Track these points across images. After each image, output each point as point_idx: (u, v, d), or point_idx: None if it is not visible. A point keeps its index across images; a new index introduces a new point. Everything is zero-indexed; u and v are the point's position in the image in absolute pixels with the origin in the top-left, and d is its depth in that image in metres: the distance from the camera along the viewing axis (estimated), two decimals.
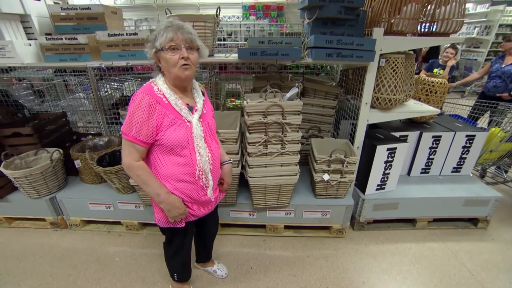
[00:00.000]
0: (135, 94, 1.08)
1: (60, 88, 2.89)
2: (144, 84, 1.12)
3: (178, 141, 1.10)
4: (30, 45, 1.76)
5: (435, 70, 3.75)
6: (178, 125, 1.10)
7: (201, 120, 1.18)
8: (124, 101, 2.73)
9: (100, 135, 2.51)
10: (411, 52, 2.02)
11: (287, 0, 6.79)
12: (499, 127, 2.42)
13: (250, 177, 1.77)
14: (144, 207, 2.02)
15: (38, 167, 1.90)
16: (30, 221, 2.21)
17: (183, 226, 1.26)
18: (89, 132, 2.92)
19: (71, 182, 2.24)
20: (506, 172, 2.81)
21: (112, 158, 2.13)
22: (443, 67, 3.71)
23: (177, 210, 1.17)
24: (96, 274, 1.80)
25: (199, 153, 1.16)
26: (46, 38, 1.63)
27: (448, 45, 3.78)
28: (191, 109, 1.16)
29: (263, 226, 2.10)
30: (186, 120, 1.12)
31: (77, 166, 2.12)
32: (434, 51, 5.71)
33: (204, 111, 1.22)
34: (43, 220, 2.16)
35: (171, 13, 1.68)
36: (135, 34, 1.66)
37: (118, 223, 2.16)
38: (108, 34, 1.64)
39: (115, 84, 3.09)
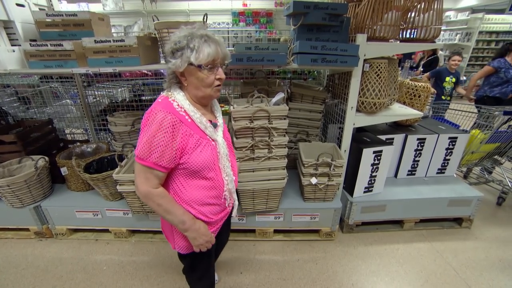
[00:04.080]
0: (151, 112, 0.92)
1: (46, 95, 2.85)
2: (159, 100, 0.96)
3: (205, 163, 0.98)
4: (14, 51, 1.74)
5: (448, 79, 3.74)
6: (204, 146, 0.98)
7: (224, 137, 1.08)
8: (112, 108, 2.71)
9: (87, 142, 2.47)
10: (394, 57, 2.09)
11: (275, 6, 6.91)
12: (480, 130, 2.51)
13: (238, 182, 1.77)
14: (133, 214, 1.99)
15: (22, 175, 1.86)
16: (12, 231, 2.15)
17: (209, 248, 1.11)
18: (76, 139, 2.88)
19: (57, 190, 2.20)
20: (490, 173, 2.91)
21: (100, 165, 2.11)
22: (454, 75, 3.74)
23: (203, 238, 1.05)
24: (83, 284, 1.75)
25: (226, 173, 1.07)
26: (30, 44, 1.61)
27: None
28: (215, 126, 1.05)
29: (253, 231, 2.10)
30: (211, 139, 1.02)
31: (63, 174, 2.08)
32: (433, 61, 5.94)
33: (223, 125, 1.12)
34: (27, 230, 2.10)
35: (158, 20, 1.69)
36: (122, 40, 1.66)
37: (106, 230, 2.12)
38: (95, 40, 1.64)
39: (104, 91, 3.06)
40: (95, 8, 6.62)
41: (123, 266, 1.89)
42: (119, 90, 3.23)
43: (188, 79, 0.97)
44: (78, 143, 2.43)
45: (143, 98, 3.05)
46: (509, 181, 2.61)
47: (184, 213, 1.00)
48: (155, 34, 1.80)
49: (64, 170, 2.06)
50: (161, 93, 1.03)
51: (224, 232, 1.42)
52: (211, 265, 1.30)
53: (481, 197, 2.15)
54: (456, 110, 2.94)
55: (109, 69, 1.70)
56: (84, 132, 3.04)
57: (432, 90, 4.12)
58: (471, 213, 2.21)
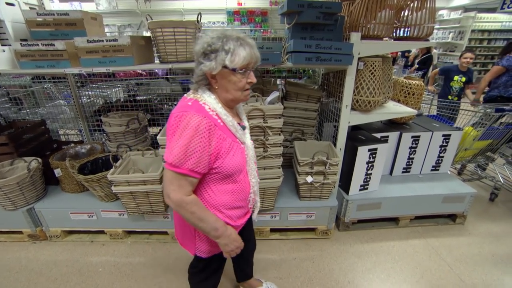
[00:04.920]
0: (183, 116, 0.87)
1: (39, 95, 2.81)
2: (188, 103, 0.92)
3: (237, 167, 0.98)
4: (4, 51, 1.71)
5: (456, 78, 3.53)
6: (235, 150, 0.97)
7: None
8: (107, 108, 2.69)
9: (82, 143, 2.45)
10: (389, 55, 2.11)
11: (270, 5, 6.91)
12: (473, 127, 2.54)
13: None
14: (128, 215, 1.98)
15: (14, 177, 1.83)
16: (5, 235, 2.12)
17: (238, 254, 1.10)
18: (70, 140, 2.85)
19: (51, 191, 2.17)
20: (484, 169, 2.95)
21: (94, 166, 2.09)
22: (465, 74, 3.51)
23: (234, 244, 1.03)
24: (78, 286, 1.74)
25: (252, 175, 1.08)
26: (21, 44, 1.59)
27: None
28: (243, 128, 1.05)
29: None
30: (240, 142, 1.02)
31: (57, 175, 2.06)
32: (427, 59, 6.00)
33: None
34: (20, 232, 2.07)
35: (151, 19, 1.68)
36: (115, 40, 1.64)
37: (102, 232, 2.10)
38: (88, 40, 1.62)
39: (98, 91, 3.03)
40: (88, 7, 6.55)
41: (119, 268, 1.88)
42: (113, 90, 3.21)
43: (219, 82, 0.94)
44: (72, 144, 2.40)
45: (138, 98, 3.03)
46: (501, 177, 2.65)
47: (217, 220, 0.98)
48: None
49: (57, 172, 2.04)
50: (187, 95, 0.99)
51: (248, 238, 1.40)
52: (222, 267, 1.30)
53: (474, 193, 2.18)
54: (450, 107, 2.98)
55: (102, 69, 1.69)
56: (78, 133, 3.01)
57: (432, 88, 4.12)
58: (465, 209, 2.24)
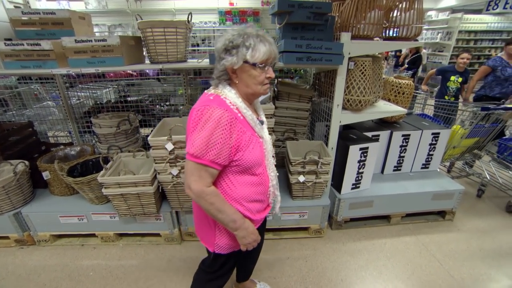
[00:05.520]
0: (205, 109, 0.91)
1: (26, 97, 2.74)
2: (210, 97, 0.96)
3: (256, 160, 1.00)
4: None
5: (453, 78, 3.55)
6: (254, 143, 1.00)
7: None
8: (97, 109, 2.64)
9: (71, 145, 2.40)
10: (379, 55, 2.14)
11: (262, 5, 6.91)
12: (461, 125, 2.60)
13: None
14: (120, 217, 1.95)
15: (0, 180, 1.78)
16: None
17: (254, 247, 1.10)
18: (59, 142, 2.79)
19: (39, 195, 2.12)
20: (471, 166, 3.02)
21: (85, 168, 2.05)
22: (461, 75, 3.53)
23: (251, 236, 1.05)
24: None
25: (271, 169, 1.10)
26: (5, 43, 1.55)
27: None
28: (262, 123, 1.08)
29: None
30: (258, 136, 1.04)
31: (45, 178, 2.01)
32: (417, 59, 6.11)
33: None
34: (7, 238, 2.01)
35: (141, 19, 1.66)
36: (104, 40, 1.62)
37: (93, 235, 2.07)
38: (75, 40, 1.59)
39: (88, 92, 2.98)
40: (77, 6, 6.43)
41: (110, 271, 1.85)
42: (104, 91, 3.16)
43: (239, 76, 0.98)
44: (62, 146, 2.35)
45: (129, 99, 2.99)
46: (488, 173, 2.71)
47: (235, 212, 1.01)
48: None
49: (46, 174, 1.99)
50: (208, 91, 1.03)
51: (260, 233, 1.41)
52: (233, 269, 1.31)
53: (462, 190, 2.23)
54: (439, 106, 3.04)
55: (91, 70, 1.66)
56: (68, 134, 2.95)
57: (425, 87, 4.17)
58: (454, 205, 2.29)
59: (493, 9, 7.14)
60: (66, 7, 6.43)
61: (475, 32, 7.51)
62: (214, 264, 1.23)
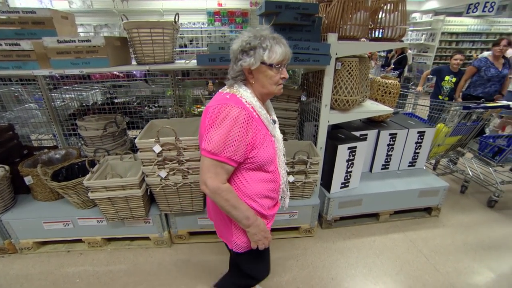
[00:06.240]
0: (223, 107, 0.93)
1: (6, 99, 2.64)
2: (226, 96, 0.99)
3: (269, 158, 1.03)
4: None
5: (447, 78, 3.62)
6: (268, 142, 1.03)
7: None
8: (83, 111, 2.57)
9: (56, 148, 2.33)
10: (365, 55, 2.17)
11: (251, 6, 6.93)
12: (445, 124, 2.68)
13: None
14: (107, 221, 1.90)
15: None
16: None
17: (266, 245, 1.13)
18: (43, 145, 2.70)
19: (21, 201, 2.05)
20: (455, 164, 3.12)
21: (70, 172, 2.00)
22: (455, 74, 3.60)
23: (262, 234, 1.08)
24: None
25: (282, 167, 1.13)
26: None
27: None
28: (274, 122, 1.11)
29: None
30: (271, 135, 1.07)
31: (28, 183, 1.94)
32: (402, 59, 6.26)
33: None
34: None
35: (127, 19, 1.63)
36: (88, 41, 1.58)
37: (79, 240, 2.01)
38: (58, 40, 1.54)
39: (73, 93, 2.89)
40: (60, 5, 6.26)
41: (98, 277, 1.80)
42: (90, 92, 3.08)
43: (255, 77, 1.01)
44: (45, 150, 2.28)
45: (116, 100, 2.93)
46: (470, 170, 2.81)
47: (248, 209, 1.03)
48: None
49: (28, 179, 1.92)
50: (223, 90, 1.05)
51: None
52: (269, 259, 1.33)
53: (447, 187, 2.30)
54: (423, 105, 3.12)
55: (75, 71, 1.61)
56: (52, 138, 2.86)
57: (421, 89, 4.26)
58: (439, 202, 2.36)
59: (472, 12, 7.45)
60: (49, 6, 6.25)
61: (457, 34, 7.77)
62: (243, 261, 1.24)
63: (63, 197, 1.96)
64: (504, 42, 3.14)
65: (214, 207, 1.16)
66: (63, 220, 1.91)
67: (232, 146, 0.92)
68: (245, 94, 1.00)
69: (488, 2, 7.02)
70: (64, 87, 2.82)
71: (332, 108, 1.94)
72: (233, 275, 1.39)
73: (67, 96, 2.81)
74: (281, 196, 1.22)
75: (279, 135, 1.12)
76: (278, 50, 0.96)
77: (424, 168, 2.60)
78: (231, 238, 1.14)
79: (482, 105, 2.58)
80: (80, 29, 6.55)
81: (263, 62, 0.96)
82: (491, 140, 2.68)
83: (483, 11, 7.14)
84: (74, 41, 1.55)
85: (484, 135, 2.84)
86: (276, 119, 1.17)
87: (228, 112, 0.92)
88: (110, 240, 2.07)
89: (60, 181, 1.82)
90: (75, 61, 1.60)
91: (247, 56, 0.96)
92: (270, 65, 0.97)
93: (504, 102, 2.70)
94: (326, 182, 2.17)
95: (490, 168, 2.64)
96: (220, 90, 1.07)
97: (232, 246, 1.15)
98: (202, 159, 0.97)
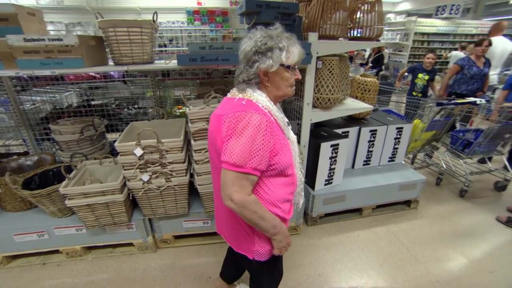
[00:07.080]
0: (242, 115, 0.87)
1: None
2: (242, 102, 0.92)
3: (289, 161, 0.99)
4: None
5: (420, 75, 3.78)
6: (286, 145, 0.99)
7: None
8: (56, 114, 2.43)
9: (27, 154, 2.19)
10: (345, 54, 2.22)
11: (231, 5, 6.89)
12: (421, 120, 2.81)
13: (199, 184, 1.73)
14: (87, 229, 1.81)
15: None
16: None
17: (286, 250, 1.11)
18: (12, 152, 2.52)
19: None
20: (431, 157, 3.27)
21: (44, 179, 1.88)
22: (427, 72, 3.77)
23: (286, 240, 1.05)
24: None
25: (298, 168, 1.10)
26: None
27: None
28: (288, 124, 1.07)
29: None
30: (287, 137, 1.03)
31: None
32: (379, 58, 6.48)
33: None
34: None
35: (102, 17, 1.56)
36: (60, 40, 1.49)
37: (56, 251, 1.91)
38: (24, 39, 1.44)
39: (45, 95, 2.72)
40: (27, 1, 5.87)
41: None
42: (64, 94, 2.91)
43: (271, 79, 0.96)
44: (15, 156, 2.13)
45: (93, 103, 2.80)
46: (444, 163, 2.96)
47: (274, 217, 0.99)
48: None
49: None
50: (233, 95, 1.00)
51: None
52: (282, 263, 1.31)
53: (424, 180, 2.41)
54: (399, 102, 3.25)
55: (46, 72, 1.52)
56: (22, 143, 2.68)
57: (398, 84, 4.44)
58: (417, 195, 2.47)
59: (440, 14, 7.91)
60: (13, 1, 5.85)
61: (428, 34, 8.17)
62: (263, 271, 1.21)
63: (37, 206, 1.85)
64: (486, 43, 3.34)
65: (230, 220, 1.09)
66: (37, 231, 1.80)
67: (257, 155, 0.87)
68: (261, 98, 0.95)
69: (454, 5, 7.48)
70: (35, 89, 2.65)
71: (314, 106, 1.97)
72: (259, 284, 1.31)
73: (38, 98, 2.64)
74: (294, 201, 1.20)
75: (293, 137, 1.08)
76: (295, 50, 0.93)
77: (403, 162, 2.71)
78: (253, 247, 1.08)
79: (453, 101, 2.73)
80: (49, 27, 6.18)
81: (281, 64, 0.92)
82: (461, 134, 2.85)
83: (450, 13, 7.60)
84: (44, 39, 1.46)
85: (455, 129, 3.01)
86: (287, 119, 1.13)
87: (249, 120, 0.87)
88: (90, 248, 1.97)
89: (33, 189, 1.70)
90: (46, 61, 1.50)
91: (265, 58, 0.91)
92: (288, 67, 0.93)
93: (472, 99, 2.86)
94: (310, 179, 2.20)
95: (461, 160, 2.79)
96: (229, 96, 1.01)
97: (254, 255, 1.09)
98: (223, 172, 0.90)
